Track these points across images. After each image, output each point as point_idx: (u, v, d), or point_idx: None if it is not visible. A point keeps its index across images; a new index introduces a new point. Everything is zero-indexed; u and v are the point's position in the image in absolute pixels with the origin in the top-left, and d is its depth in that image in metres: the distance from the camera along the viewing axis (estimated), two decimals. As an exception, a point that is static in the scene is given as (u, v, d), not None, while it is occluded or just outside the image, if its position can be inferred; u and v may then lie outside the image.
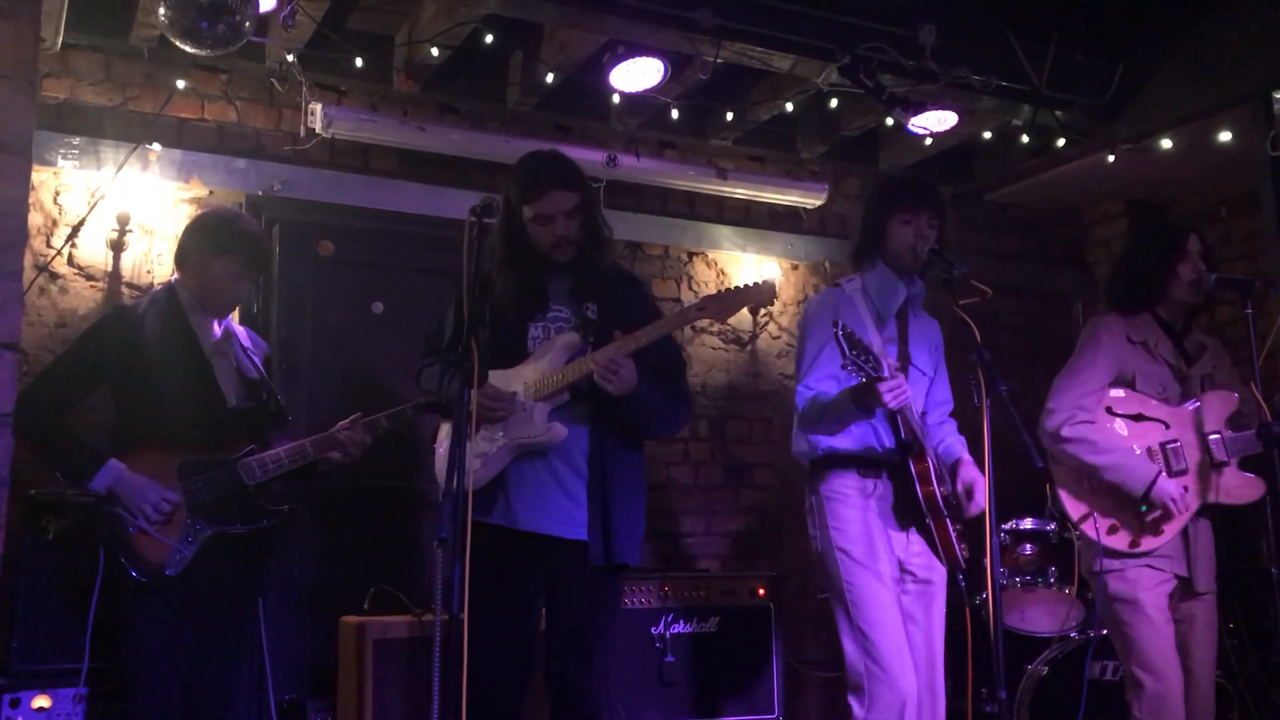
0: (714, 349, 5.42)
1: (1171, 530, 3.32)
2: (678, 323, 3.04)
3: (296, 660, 4.19)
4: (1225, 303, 5.27)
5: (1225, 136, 4.99)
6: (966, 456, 3.29)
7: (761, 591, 4.60)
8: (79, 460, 3.02)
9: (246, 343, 3.35)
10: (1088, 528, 3.34)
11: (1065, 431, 3.35)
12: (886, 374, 2.91)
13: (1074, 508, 3.40)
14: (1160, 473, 3.31)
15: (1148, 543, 3.31)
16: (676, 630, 4.40)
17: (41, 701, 3.39)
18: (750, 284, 3.02)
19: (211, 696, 3.09)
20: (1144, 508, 3.30)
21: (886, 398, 2.92)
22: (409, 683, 3.78)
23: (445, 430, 3.12)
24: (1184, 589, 3.36)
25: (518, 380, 2.98)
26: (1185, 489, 3.34)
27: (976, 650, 3.28)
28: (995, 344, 3.23)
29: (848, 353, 2.83)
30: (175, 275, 3.27)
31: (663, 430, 3.22)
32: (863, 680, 3.06)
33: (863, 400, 2.99)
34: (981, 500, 3.13)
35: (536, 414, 2.95)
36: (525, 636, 2.99)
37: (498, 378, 3.00)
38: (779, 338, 5.56)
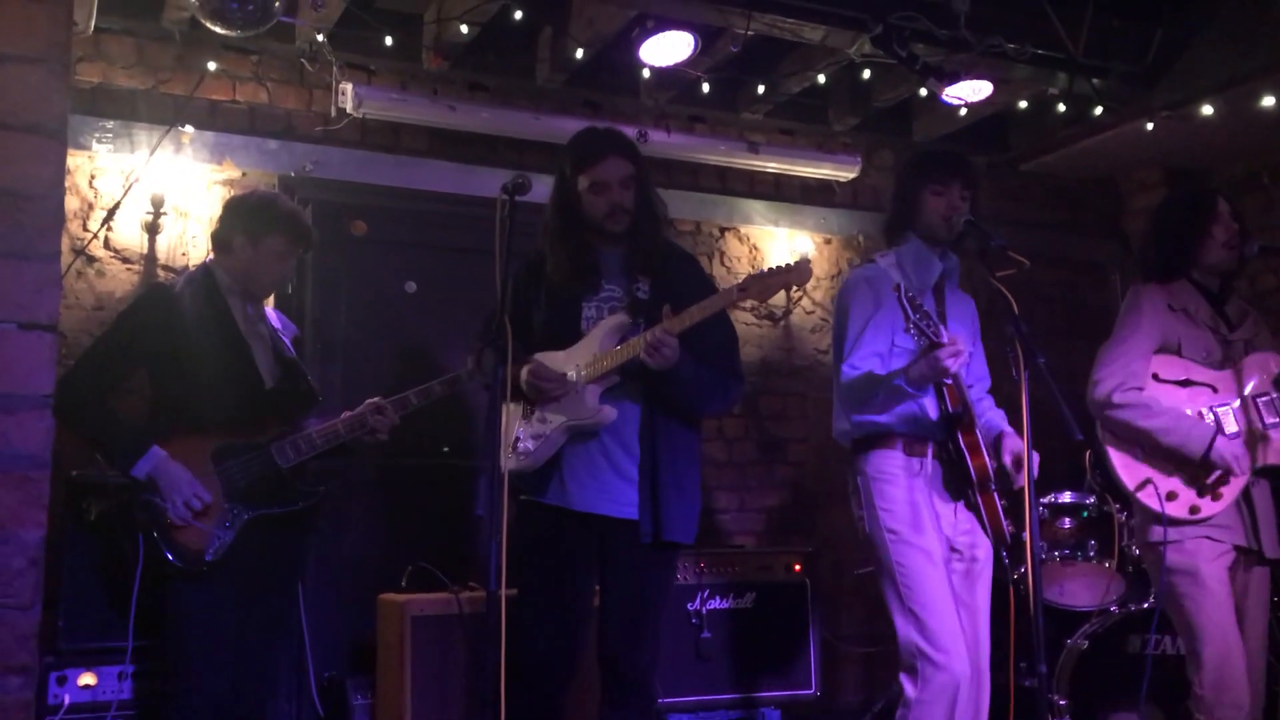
0: (747, 324, 5.40)
1: (1230, 495, 3.24)
2: (720, 303, 3.04)
3: (336, 638, 4.24)
4: (1268, 271, 5.20)
5: (1268, 102, 4.88)
6: (1008, 429, 3.24)
7: (797, 567, 4.59)
8: (122, 445, 3.02)
9: (277, 324, 3.36)
10: (1146, 496, 3.26)
11: (1116, 398, 3.28)
12: (945, 339, 2.88)
13: (1130, 477, 3.31)
14: (1217, 433, 3.24)
15: (1208, 508, 3.24)
16: (713, 606, 4.41)
17: (87, 679, 3.44)
18: (788, 264, 3.04)
19: (257, 676, 3.12)
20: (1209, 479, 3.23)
21: (947, 362, 2.87)
22: (448, 660, 3.81)
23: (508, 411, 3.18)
24: (1243, 560, 3.29)
25: (570, 362, 3.03)
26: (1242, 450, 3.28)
27: (1016, 624, 3.25)
28: (1031, 315, 3.18)
29: (910, 315, 2.81)
30: (211, 256, 3.28)
31: (711, 408, 3.22)
32: (916, 660, 3.01)
33: (922, 369, 2.93)
34: (1032, 469, 3.06)
35: (588, 396, 2.99)
36: (578, 613, 3.04)
37: (552, 359, 3.05)
38: (812, 313, 5.52)
